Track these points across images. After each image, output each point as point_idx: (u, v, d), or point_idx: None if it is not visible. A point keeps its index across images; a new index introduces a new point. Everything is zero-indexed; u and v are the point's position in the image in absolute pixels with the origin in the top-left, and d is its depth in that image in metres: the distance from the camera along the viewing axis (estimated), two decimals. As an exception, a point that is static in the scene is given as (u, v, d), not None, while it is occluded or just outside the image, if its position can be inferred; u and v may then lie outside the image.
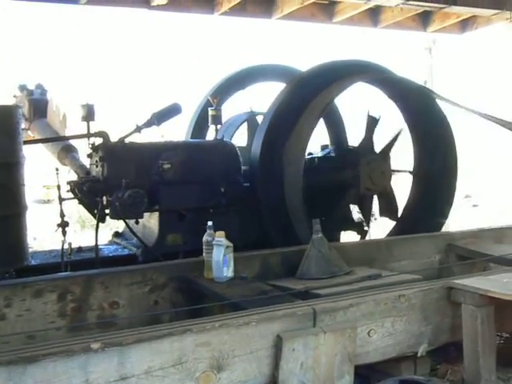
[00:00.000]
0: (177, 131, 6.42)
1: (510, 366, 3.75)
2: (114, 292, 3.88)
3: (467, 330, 3.37)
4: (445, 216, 5.74)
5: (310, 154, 5.54)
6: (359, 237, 5.63)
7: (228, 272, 3.89)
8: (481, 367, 3.33)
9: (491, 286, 3.36)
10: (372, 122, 5.52)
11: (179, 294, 4.02)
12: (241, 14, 7.64)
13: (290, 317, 3.00)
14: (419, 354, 3.42)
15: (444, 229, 6.12)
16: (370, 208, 5.59)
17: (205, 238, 4.00)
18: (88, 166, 4.93)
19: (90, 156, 4.86)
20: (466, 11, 7.89)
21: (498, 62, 7.88)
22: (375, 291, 3.48)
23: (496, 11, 7.51)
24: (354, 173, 5.35)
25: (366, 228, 5.58)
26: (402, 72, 5.66)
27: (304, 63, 5.93)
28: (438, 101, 5.60)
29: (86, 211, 4.91)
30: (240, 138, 6.38)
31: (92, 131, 4.81)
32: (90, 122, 4.82)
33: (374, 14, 8.78)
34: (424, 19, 9.05)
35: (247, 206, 4.99)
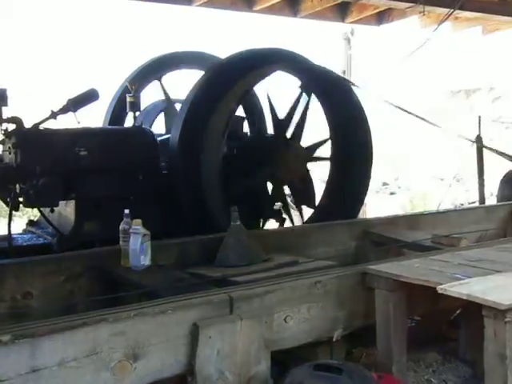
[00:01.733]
0: (95, 118, 6.30)
1: (420, 348, 3.89)
2: (28, 282, 3.77)
3: (380, 314, 3.46)
4: (360, 203, 5.86)
5: (229, 141, 5.53)
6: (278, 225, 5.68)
7: (145, 260, 3.86)
8: (392, 350, 3.43)
9: (403, 271, 3.45)
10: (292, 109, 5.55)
11: (95, 284, 3.95)
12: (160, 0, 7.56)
13: (206, 304, 3.00)
14: (334, 339, 3.48)
15: (362, 216, 6.25)
16: (296, 195, 5.65)
17: (121, 226, 3.95)
18: (0, 153, 4.77)
19: (2, 142, 4.70)
20: (382, 3, 8.06)
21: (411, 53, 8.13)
22: (292, 278, 3.52)
23: (410, 4, 7.70)
24: (270, 161, 5.37)
25: (284, 216, 5.63)
26: (321, 62, 5.74)
27: (224, 51, 5.91)
28: (355, 90, 5.71)
29: (-1, 199, 4.75)
30: (160, 126, 6.34)
31: (4, 117, 4.64)
32: (3, 108, 4.64)
33: (293, 4, 8.84)
34: (342, 10, 9.18)
35: (167, 193, 4.94)
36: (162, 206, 4.95)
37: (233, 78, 5.00)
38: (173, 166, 4.97)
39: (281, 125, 5.54)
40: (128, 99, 5.28)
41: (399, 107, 6.64)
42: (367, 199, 6.53)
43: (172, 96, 6.39)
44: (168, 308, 2.90)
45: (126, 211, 3.98)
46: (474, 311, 3.04)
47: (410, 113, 6.70)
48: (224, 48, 6.60)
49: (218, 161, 4.76)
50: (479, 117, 8.07)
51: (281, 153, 5.39)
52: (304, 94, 5.56)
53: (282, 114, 5.59)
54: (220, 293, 3.17)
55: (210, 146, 4.80)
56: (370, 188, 5.91)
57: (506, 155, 7.89)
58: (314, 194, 5.78)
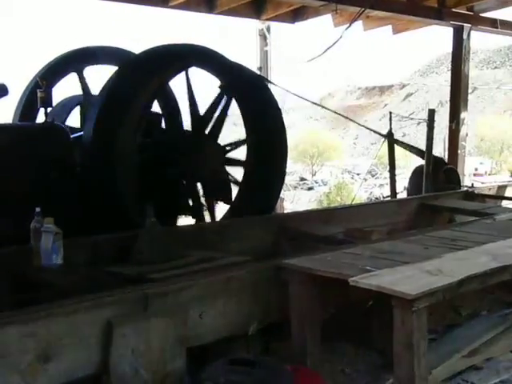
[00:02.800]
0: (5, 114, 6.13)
1: (335, 339, 3.98)
2: None
3: (294, 307, 3.52)
4: (276, 198, 5.93)
5: (144, 137, 5.48)
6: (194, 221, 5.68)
7: (58, 259, 3.77)
8: (307, 342, 3.51)
9: (316, 265, 3.52)
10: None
11: (6, 284, 3.84)
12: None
13: (120, 303, 2.97)
14: (250, 333, 3.52)
15: (279, 211, 6.33)
16: (212, 191, 5.65)
17: (33, 224, 3.86)
18: None
19: None
20: (296, 1, 8.17)
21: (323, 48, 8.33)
22: (207, 274, 3.54)
23: (323, 2, 7.85)
24: (185, 157, 5.36)
25: (202, 212, 5.63)
26: (237, 58, 5.77)
27: (139, 46, 5.86)
28: (270, 86, 5.77)
29: None
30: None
31: None
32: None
33: (209, 0, 8.85)
34: (257, 7, 9.28)
35: (80, 191, 4.85)
36: (76, 204, 4.85)
37: (147, 73, 4.96)
38: (86, 163, 4.88)
39: (199, 121, 5.54)
40: (39, 94, 5.14)
41: (316, 104, 6.75)
42: (285, 194, 6.62)
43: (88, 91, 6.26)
44: (81, 307, 2.86)
45: (38, 210, 3.88)
46: (384, 302, 3.13)
47: (327, 108, 6.84)
48: (140, 44, 6.54)
49: (132, 157, 4.70)
50: (390, 113, 8.33)
51: (196, 149, 5.39)
52: (225, 93, 5.58)
53: (201, 111, 5.58)
54: (134, 290, 3.14)
55: (124, 143, 4.74)
56: (288, 183, 5.99)
57: (414, 149, 8.16)
58: (230, 190, 5.80)
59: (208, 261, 4.03)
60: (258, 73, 10.65)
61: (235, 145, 5.88)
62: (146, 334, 2.94)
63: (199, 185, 5.61)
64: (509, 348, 3.98)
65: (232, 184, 5.85)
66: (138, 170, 4.81)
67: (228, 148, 5.83)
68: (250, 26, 11.17)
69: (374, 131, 8.23)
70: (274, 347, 3.86)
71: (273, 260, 3.81)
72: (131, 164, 4.70)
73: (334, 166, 62.04)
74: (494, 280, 3.53)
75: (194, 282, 3.30)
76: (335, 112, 7.15)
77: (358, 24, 9.28)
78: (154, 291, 3.12)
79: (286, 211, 10.00)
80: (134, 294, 3.07)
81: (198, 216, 5.60)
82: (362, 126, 8.30)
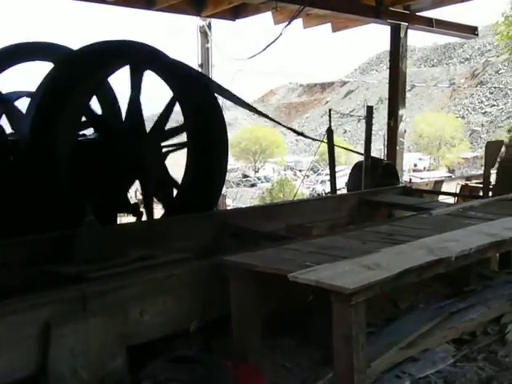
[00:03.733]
0: None
1: (276, 335, 4.00)
2: None
3: (235, 303, 3.53)
4: (218, 195, 5.93)
5: (82, 135, 5.40)
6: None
7: (-7, 260, 3.69)
8: (247, 338, 3.52)
9: (257, 261, 3.54)
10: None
11: None
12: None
13: (58, 302, 2.93)
14: (191, 330, 3.51)
15: (223, 207, 6.32)
16: (147, 189, 5.60)
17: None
18: None
19: None
20: (237, -2, 8.19)
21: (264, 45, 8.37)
22: (147, 272, 3.51)
23: (263, 0, 7.88)
24: (124, 156, 5.30)
25: (142, 210, 5.59)
26: (178, 55, 5.74)
27: (78, 43, 5.76)
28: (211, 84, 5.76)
29: None
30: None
31: None
32: None
33: (149, -4, 8.79)
34: (198, 3, 9.25)
35: (18, 190, 4.74)
36: (13, 203, 4.75)
37: (85, 70, 4.88)
38: (23, 163, 4.77)
39: (140, 120, 5.49)
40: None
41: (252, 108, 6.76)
42: (227, 191, 6.62)
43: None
44: (18, 308, 2.80)
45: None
46: (324, 297, 3.17)
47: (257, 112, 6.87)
48: (78, 40, 6.43)
49: (70, 155, 4.63)
50: (329, 110, 8.43)
51: (136, 148, 5.34)
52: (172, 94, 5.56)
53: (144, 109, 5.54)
54: (73, 290, 3.09)
55: (61, 140, 4.66)
56: (231, 180, 6.01)
57: (350, 150, 8.31)
58: (170, 188, 5.77)
59: (148, 259, 4.00)
60: (199, 70, 10.63)
61: (177, 145, 5.86)
62: (84, 333, 2.90)
63: (139, 183, 5.56)
64: (445, 339, 4.08)
65: (173, 182, 5.83)
66: (76, 168, 4.72)
67: (170, 148, 5.80)
68: (190, 23, 11.14)
69: (306, 136, 8.29)
70: (216, 344, 3.86)
71: (213, 257, 3.80)
72: (69, 162, 4.62)
73: (276, 162, 62.50)
74: (430, 273, 3.60)
75: (134, 281, 3.28)
76: (266, 116, 7.24)
77: (298, 22, 9.37)
78: (93, 290, 3.09)
79: (228, 208, 10.02)
80: (73, 293, 3.03)
81: (138, 214, 5.55)
82: (289, 128, 8.33)
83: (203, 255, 4.14)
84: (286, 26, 7.96)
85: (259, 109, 8.02)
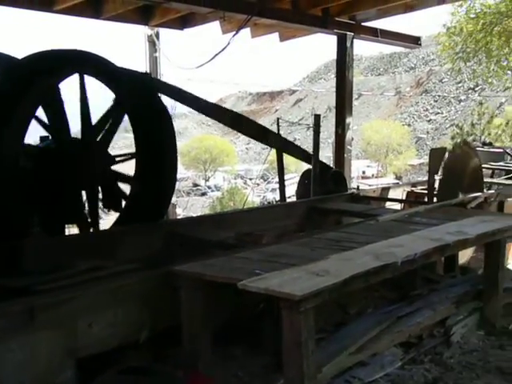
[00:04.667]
0: None
1: (228, 343, 4.01)
2: None
3: (185, 313, 3.54)
4: (167, 204, 5.91)
5: (28, 145, 5.31)
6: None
7: None
8: (199, 347, 3.53)
9: (207, 270, 3.55)
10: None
11: None
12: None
13: (5, 316, 2.88)
14: (141, 341, 3.50)
15: (173, 217, 6.29)
16: (93, 200, 5.54)
17: None
18: None
19: None
20: (184, 7, 8.19)
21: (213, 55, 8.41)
22: (96, 283, 3.49)
23: (211, 10, 7.92)
24: (71, 165, 5.23)
25: (89, 220, 5.52)
26: (126, 64, 5.71)
27: (23, 51, 5.68)
28: (159, 92, 5.75)
29: None
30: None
31: None
32: None
33: (96, 5, 8.73)
34: (145, 13, 9.23)
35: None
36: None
37: (31, 78, 4.82)
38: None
39: (88, 130, 5.43)
40: None
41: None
42: (178, 201, 6.60)
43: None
44: (-37, 322, 2.75)
45: None
46: (274, 304, 3.20)
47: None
48: (23, 48, 6.34)
49: (16, 164, 4.55)
50: (277, 119, 8.49)
51: (83, 158, 5.28)
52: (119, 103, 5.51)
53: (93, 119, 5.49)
54: (20, 303, 3.05)
55: (7, 150, 4.58)
56: (181, 190, 6.00)
57: (300, 154, 8.37)
58: (119, 198, 5.72)
59: (97, 270, 3.96)
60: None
61: (126, 156, 5.82)
62: (32, 346, 2.86)
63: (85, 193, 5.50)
64: (392, 343, 4.16)
65: (121, 192, 5.78)
66: (23, 179, 4.65)
67: (118, 159, 5.75)
68: (138, 32, 11.10)
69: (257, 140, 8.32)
70: (167, 353, 3.85)
71: (163, 267, 3.79)
72: (15, 172, 4.54)
73: (226, 171, 62.53)
74: (377, 278, 3.68)
75: (83, 292, 3.24)
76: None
77: (246, 31, 9.44)
78: (41, 303, 3.05)
79: (178, 217, 9.98)
80: (20, 306, 2.98)
81: (86, 225, 5.49)
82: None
83: (153, 265, 4.13)
84: (233, 36, 8.01)
85: (208, 118, 8.01)
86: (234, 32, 8.21)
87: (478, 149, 10.89)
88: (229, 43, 7.96)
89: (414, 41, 10.93)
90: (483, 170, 8.52)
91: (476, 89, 69.57)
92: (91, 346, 3.22)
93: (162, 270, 3.69)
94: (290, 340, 3.11)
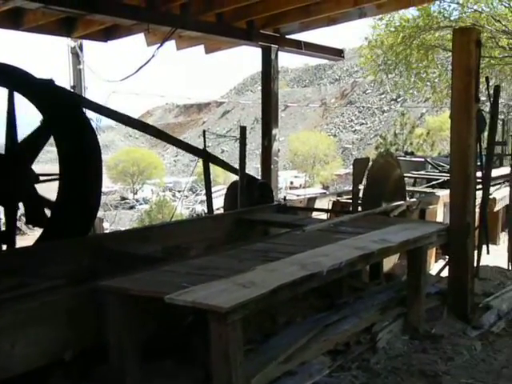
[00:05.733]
0: None
1: (156, 358, 3.97)
2: None
3: (112, 329, 3.48)
4: (92, 218, 5.82)
5: None
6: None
7: None
8: (126, 362, 3.48)
9: (134, 285, 3.51)
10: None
11: None
12: None
13: None
14: (66, 360, 3.42)
15: (99, 231, 6.19)
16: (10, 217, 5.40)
17: None
18: None
19: None
20: (107, 19, 8.10)
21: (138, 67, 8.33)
22: (18, 301, 3.39)
23: (135, 22, 7.87)
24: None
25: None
26: (49, 76, 5.59)
27: None
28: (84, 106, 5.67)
29: None
30: None
31: None
32: None
33: (15, 16, 8.52)
34: (68, 25, 9.06)
35: None
36: None
37: None
38: None
39: (12, 144, 5.30)
40: None
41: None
42: (105, 215, 6.51)
43: None
44: None
45: None
46: (203, 317, 3.19)
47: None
48: None
49: None
50: (204, 131, 8.50)
51: (5, 173, 5.15)
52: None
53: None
54: None
55: None
56: (108, 203, 5.92)
57: (227, 166, 8.42)
58: (43, 213, 5.60)
59: (19, 287, 3.86)
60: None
61: (51, 174, 5.71)
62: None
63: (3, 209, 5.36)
64: (320, 351, 4.21)
65: (45, 207, 5.66)
66: None
67: (43, 177, 5.63)
68: (62, 44, 10.91)
69: (189, 151, 8.31)
70: (94, 371, 3.79)
71: (89, 282, 3.72)
72: None
73: (155, 184, 62.07)
74: (304, 288, 3.73)
75: (4, 311, 3.15)
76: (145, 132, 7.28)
77: (171, 43, 9.42)
78: (-41, 323, 2.94)
79: (105, 232, 9.83)
80: None
81: (7, 241, 5.35)
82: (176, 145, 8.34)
83: (78, 281, 4.05)
84: (158, 48, 7.97)
85: (135, 131, 7.96)
86: (159, 44, 8.17)
87: (400, 158, 11.23)
88: (153, 55, 7.92)
89: (337, 53, 11.15)
90: (405, 178, 8.79)
91: (398, 100, 71.63)
92: (13, 367, 3.13)
93: (87, 285, 3.63)
94: (218, 352, 3.11)
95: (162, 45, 7.96)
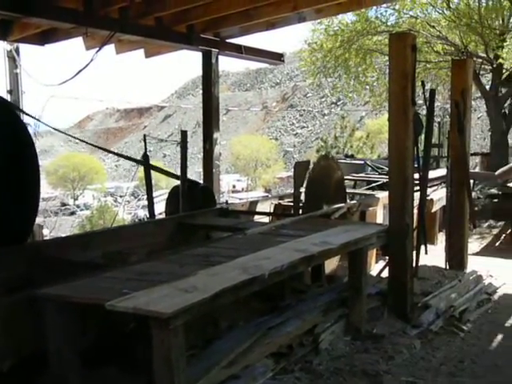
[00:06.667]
0: None
1: (99, 364, 3.92)
2: None
3: (52, 337, 3.43)
4: (30, 225, 5.69)
5: None
6: None
7: None
8: (67, 370, 3.43)
9: (74, 292, 3.46)
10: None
11: None
12: None
13: None
14: (4, 370, 3.34)
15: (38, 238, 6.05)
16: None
17: None
18: None
19: None
20: (44, 23, 7.94)
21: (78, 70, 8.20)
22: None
23: (73, 25, 7.74)
24: None
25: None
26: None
27: None
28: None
29: None
30: None
31: None
32: None
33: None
34: (3, 28, 8.85)
35: None
36: None
37: None
38: None
39: None
40: None
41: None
42: (45, 221, 6.38)
43: None
44: None
45: None
46: (145, 323, 3.17)
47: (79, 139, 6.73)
48: None
49: None
50: (144, 136, 8.43)
51: None
52: None
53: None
54: None
55: None
56: (48, 210, 5.79)
57: (168, 173, 8.38)
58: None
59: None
60: (8, 97, 10.21)
61: None
62: None
63: None
64: (264, 354, 4.23)
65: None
66: None
67: None
68: (-1, 48, 10.64)
69: (127, 157, 8.25)
70: (34, 380, 3.71)
71: (27, 291, 3.65)
72: None
73: (96, 189, 61.16)
74: (246, 291, 3.74)
75: None
76: (82, 140, 7.17)
77: (111, 47, 9.30)
78: None
79: (45, 239, 9.62)
80: None
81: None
82: (114, 153, 8.26)
83: (15, 290, 3.96)
84: (96, 52, 7.85)
85: (76, 135, 7.86)
86: (98, 48, 8.06)
87: (340, 161, 11.37)
88: (92, 59, 7.79)
89: (278, 57, 11.22)
90: (346, 181, 8.90)
91: (338, 103, 72.62)
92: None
93: (24, 294, 3.55)
94: (160, 358, 3.10)
95: (100, 49, 7.84)
